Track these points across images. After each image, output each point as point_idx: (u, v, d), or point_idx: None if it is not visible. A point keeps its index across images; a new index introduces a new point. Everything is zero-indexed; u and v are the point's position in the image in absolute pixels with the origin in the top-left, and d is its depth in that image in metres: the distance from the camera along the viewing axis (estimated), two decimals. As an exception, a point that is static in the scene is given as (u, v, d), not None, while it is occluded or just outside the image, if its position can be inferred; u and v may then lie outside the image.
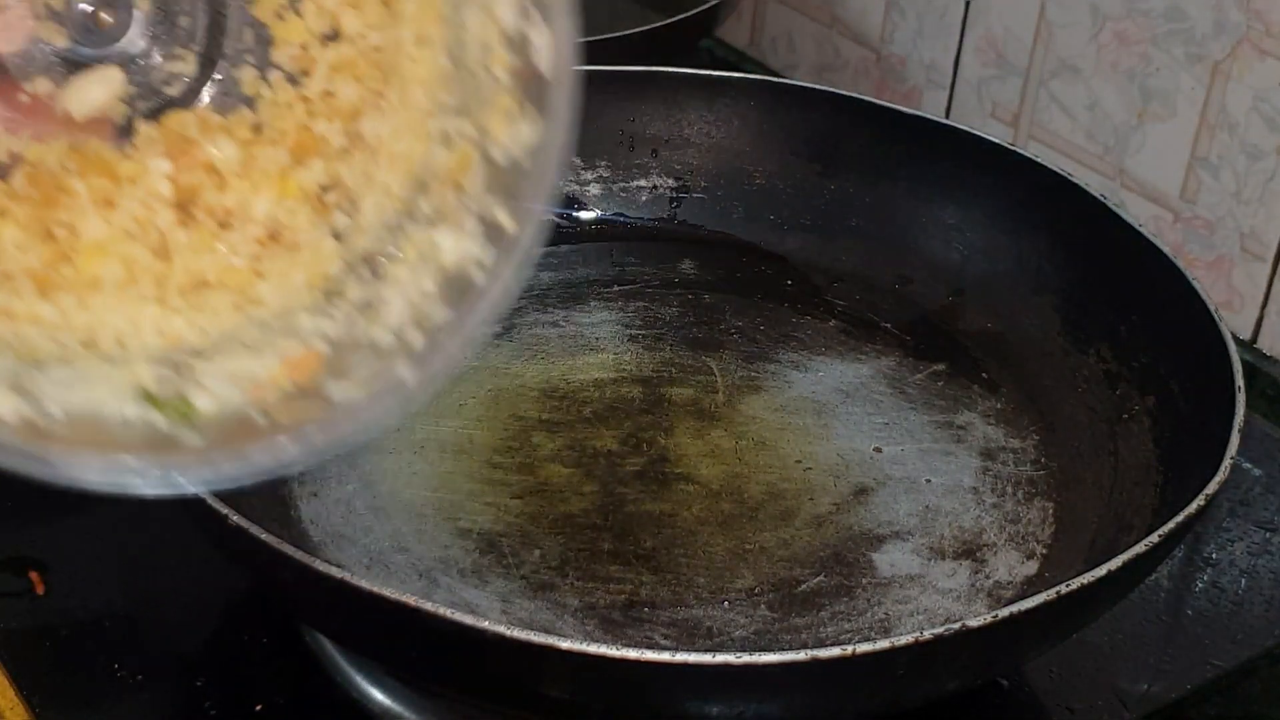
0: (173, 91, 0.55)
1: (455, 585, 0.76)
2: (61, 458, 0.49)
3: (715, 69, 1.20)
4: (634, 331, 0.95)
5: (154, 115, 0.54)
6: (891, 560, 0.79)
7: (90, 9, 0.54)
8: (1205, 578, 0.88)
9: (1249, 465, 0.95)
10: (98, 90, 0.53)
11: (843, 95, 1.01)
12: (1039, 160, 0.94)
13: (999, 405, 0.90)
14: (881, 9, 1.28)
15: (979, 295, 0.96)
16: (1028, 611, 0.63)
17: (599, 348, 0.93)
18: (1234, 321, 1.07)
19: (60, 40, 0.53)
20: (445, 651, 0.63)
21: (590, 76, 1.00)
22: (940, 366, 0.93)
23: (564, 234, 1.02)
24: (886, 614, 0.76)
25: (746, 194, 1.03)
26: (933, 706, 0.69)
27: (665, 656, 0.61)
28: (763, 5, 1.40)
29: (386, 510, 0.81)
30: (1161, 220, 1.10)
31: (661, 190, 1.04)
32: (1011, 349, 0.93)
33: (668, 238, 1.03)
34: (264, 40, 0.54)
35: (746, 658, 0.60)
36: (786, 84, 1.04)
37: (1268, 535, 0.91)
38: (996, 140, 0.97)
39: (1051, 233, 0.93)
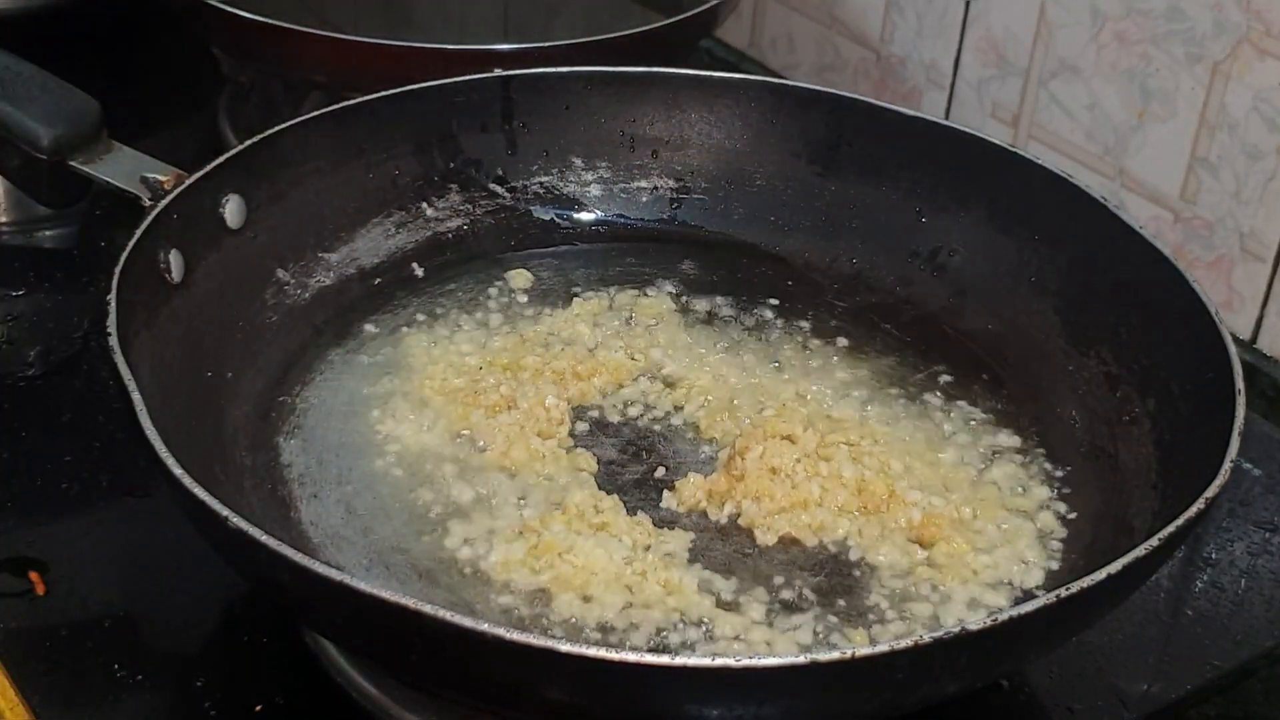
0: None
1: (455, 586, 0.76)
2: None
3: (715, 69, 1.20)
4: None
5: None
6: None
7: None
8: (1205, 578, 0.88)
9: (1249, 466, 0.95)
10: None
11: (843, 95, 1.01)
12: (1039, 161, 0.94)
13: (999, 405, 0.90)
14: (881, 9, 1.28)
15: (979, 296, 0.96)
16: (1027, 615, 0.63)
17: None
18: (1234, 321, 1.07)
19: None
20: (445, 654, 0.63)
21: (590, 77, 1.02)
22: (940, 367, 0.93)
23: (564, 235, 1.02)
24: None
25: (747, 195, 1.03)
26: (933, 707, 0.69)
27: (664, 660, 0.61)
28: (763, 5, 1.40)
29: (386, 511, 0.81)
30: (1161, 220, 1.10)
31: (662, 191, 1.04)
32: (1012, 350, 0.93)
33: (668, 238, 1.03)
34: None
35: (745, 661, 0.60)
36: (786, 84, 1.04)
37: (1268, 535, 0.91)
38: (996, 140, 0.97)
39: (1052, 234, 0.93)
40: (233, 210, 0.89)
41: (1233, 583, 0.88)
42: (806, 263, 1.01)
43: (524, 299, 0.97)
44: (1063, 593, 0.64)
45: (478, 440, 0.85)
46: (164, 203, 0.85)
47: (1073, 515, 0.82)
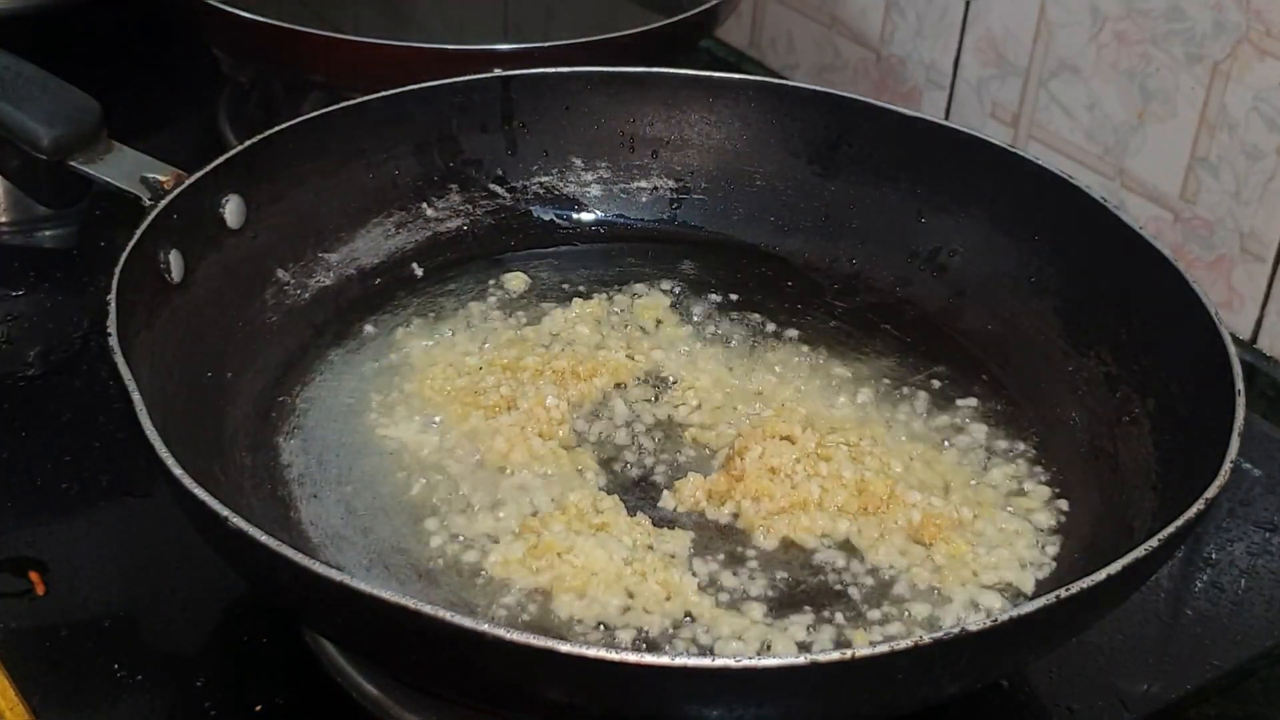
0: None
1: (455, 586, 0.76)
2: None
3: (715, 69, 1.20)
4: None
5: None
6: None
7: None
8: (1205, 578, 0.88)
9: (1249, 465, 0.95)
10: None
11: (843, 96, 1.01)
12: (1039, 161, 0.94)
13: (999, 406, 0.90)
14: (881, 9, 1.28)
15: (979, 297, 0.96)
16: (1027, 615, 0.63)
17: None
18: (1234, 321, 1.07)
19: None
20: (445, 654, 0.64)
21: (590, 77, 1.02)
22: (940, 368, 0.93)
23: (564, 235, 1.02)
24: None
25: (747, 195, 1.03)
26: (933, 707, 0.69)
27: (664, 660, 0.61)
28: (763, 5, 1.40)
29: (386, 511, 0.81)
30: (1161, 220, 1.10)
31: (662, 191, 1.04)
32: (1012, 350, 0.93)
33: (668, 239, 1.03)
34: None
35: (745, 662, 0.61)
36: (786, 84, 1.04)
37: (1268, 535, 0.91)
38: (996, 141, 0.97)
39: (1052, 234, 0.93)
40: (233, 210, 0.89)
41: (1233, 583, 0.88)
42: (806, 263, 1.01)
43: (524, 299, 0.97)
44: (1063, 593, 0.64)
45: (478, 440, 0.85)
46: (164, 203, 0.85)
47: (1073, 516, 0.82)
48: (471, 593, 0.76)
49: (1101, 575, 0.65)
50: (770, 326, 0.96)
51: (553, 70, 1.01)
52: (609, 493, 0.82)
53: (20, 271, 1.07)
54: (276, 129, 0.92)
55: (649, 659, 0.61)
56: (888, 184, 0.99)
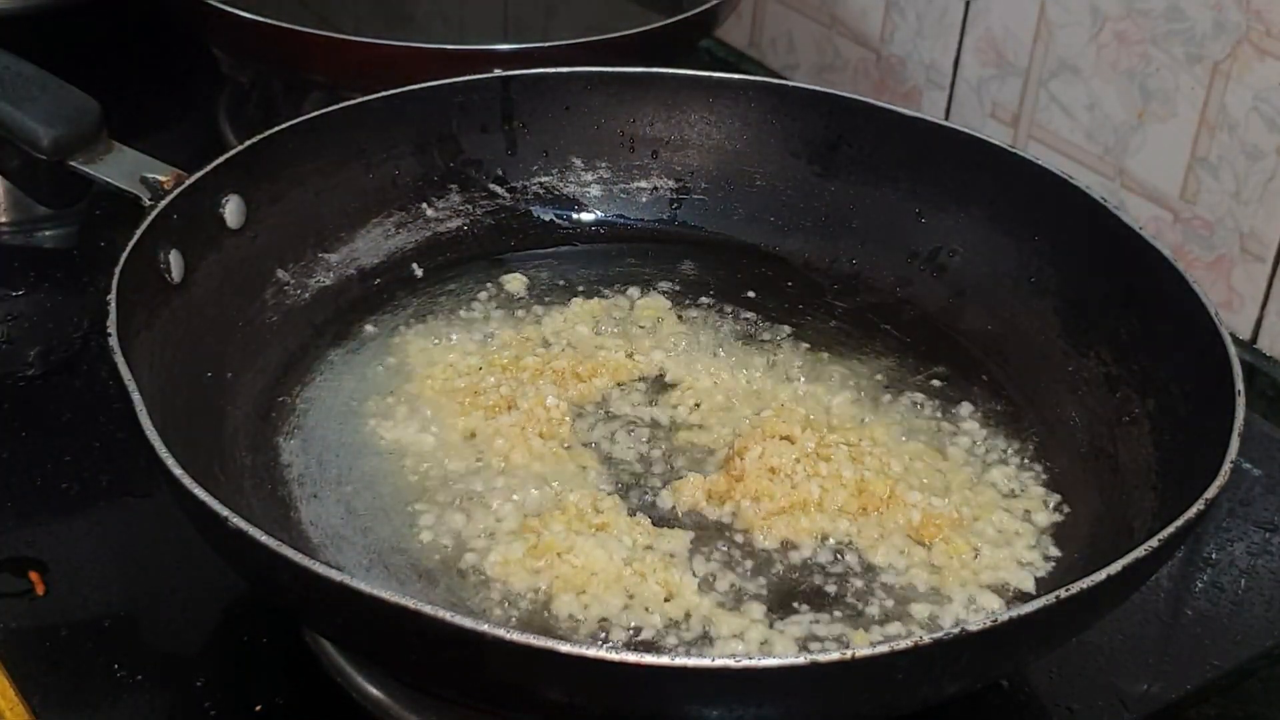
0: None
1: (455, 586, 0.76)
2: None
3: (715, 69, 1.20)
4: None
5: None
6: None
7: None
8: (1205, 578, 0.88)
9: (1249, 465, 0.95)
10: None
11: (843, 96, 1.01)
12: (1039, 161, 0.94)
13: (999, 407, 0.90)
14: (881, 9, 1.28)
15: (979, 297, 0.96)
16: (1027, 615, 0.63)
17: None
18: (1234, 321, 1.07)
19: None
20: (445, 654, 0.64)
21: (590, 77, 1.02)
22: (940, 368, 0.93)
23: (564, 235, 1.02)
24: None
25: (747, 195, 1.03)
26: (933, 707, 0.69)
27: (665, 661, 0.61)
28: (763, 5, 1.40)
29: (386, 511, 0.81)
30: (1161, 220, 1.10)
31: (662, 191, 1.04)
32: (1012, 351, 0.93)
33: (668, 239, 1.03)
34: None
35: (746, 662, 0.60)
36: (786, 84, 1.04)
37: (1268, 535, 0.91)
38: (996, 141, 0.97)
39: (1052, 234, 0.93)
40: (233, 210, 0.89)
41: (1233, 583, 0.88)
42: (806, 263, 1.01)
43: (524, 299, 0.97)
44: (1063, 593, 0.64)
45: (478, 440, 0.85)
46: (164, 203, 0.85)
47: (1072, 516, 0.82)
48: (471, 593, 0.76)
49: (1101, 575, 0.65)
50: (770, 327, 0.96)
51: (553, 70, 1.01)
52: (609, 493, 0.82)
53: (20, 271, 1.07)
54: (276, 129, 0.93)
55: (649, 659, 0.61)
56: (887, 184, 0.99)
